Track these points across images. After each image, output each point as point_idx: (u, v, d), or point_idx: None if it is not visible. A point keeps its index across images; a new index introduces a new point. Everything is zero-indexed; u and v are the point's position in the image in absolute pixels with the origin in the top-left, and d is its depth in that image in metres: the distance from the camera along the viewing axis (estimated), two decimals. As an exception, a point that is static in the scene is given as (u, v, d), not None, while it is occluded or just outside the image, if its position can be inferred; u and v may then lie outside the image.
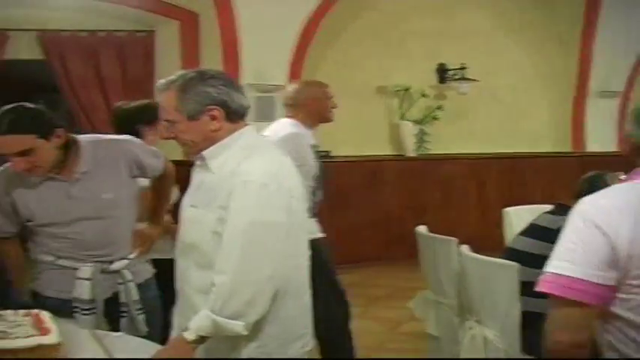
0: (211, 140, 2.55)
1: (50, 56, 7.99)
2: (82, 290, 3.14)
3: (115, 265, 3.24)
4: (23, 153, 2.94)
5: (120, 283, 3.25)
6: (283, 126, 4.40)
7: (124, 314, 3.25)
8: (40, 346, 2.34)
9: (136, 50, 8.16)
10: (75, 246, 3.15)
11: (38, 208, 3.11)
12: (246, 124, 2.62)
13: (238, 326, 2.39)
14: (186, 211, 2.66)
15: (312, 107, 4.49)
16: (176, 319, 2.74)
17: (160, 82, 2.60)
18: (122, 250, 3.27)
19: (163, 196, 3.37)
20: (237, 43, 7.56)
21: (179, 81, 2.54)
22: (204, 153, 2.57)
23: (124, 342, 2.78)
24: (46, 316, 2.64)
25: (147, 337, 3.13)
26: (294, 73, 7.80)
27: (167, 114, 2.57)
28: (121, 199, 3.25)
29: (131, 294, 3.26)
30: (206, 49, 7.93)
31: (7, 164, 3.12)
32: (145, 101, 4.24)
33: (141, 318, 3.26)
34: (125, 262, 3.26)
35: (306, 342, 2.66)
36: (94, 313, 3.16)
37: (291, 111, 4.52)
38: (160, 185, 3.44)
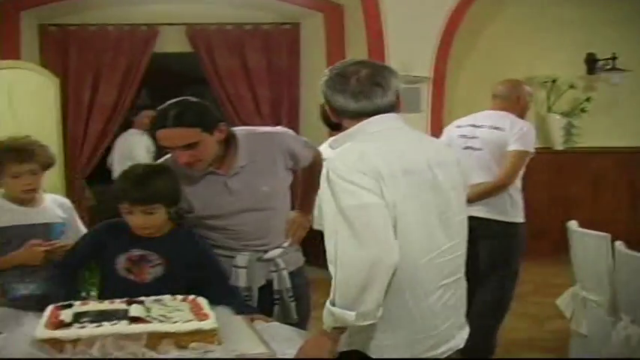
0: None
1: (198, 49, 8.23)
2: (239, 278, 3.20)
3: (270, 254, 3.29)
4: (188, 146, 2.99)
5: (273, 271, 3.31)
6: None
7: (277, 302, 3.32)
8: (198, 331, 2.40)
9: (281, 42, 8.30)
10: (233, 237, 3.21)
11: (198, 202, 3.17)
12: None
13: (349, 316, 2.31)
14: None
15: (524, 103, 4.89)
16: None
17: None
18: (277, 239, 3.32)
19: (312, 185, 3.40)
20: (382, 35, 7.52)
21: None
22: (331, 141, 2.60)
23: (274, 329, 2.82)
24: (203, 301, 2.72)
25: (297, 324, 3.19)
26: (440, 65, 7.72)
27: None
28: (277, 191, 3.28)
29: (284, 282, 3.32)
30: (351, 41, 7.94)
31: (166, 157, 3.20)
32: None
33: (292, 305, 3.32)
34: (279, 250, 3.31)
35: (434, 346, 2.50)
36: (248, 300, 3.23)
37: (507, 105, 4.81)
38: (309, 174, 3.46)
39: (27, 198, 3.29)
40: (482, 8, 8.09)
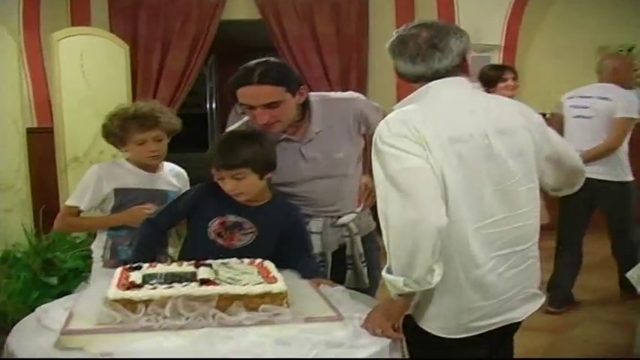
0: None
1: (266, 16, 8.22)
2: (314, 244, 3.21)
3: (343, 219, 3.29)
4: (269, 105, 2.97)
5: (346, 236, 3.32)
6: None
7: (349, 267, 3.32)
8: (268, 293, 2.41)
9: (350, 8, 8.23)
10: (305, 204, 3.21)
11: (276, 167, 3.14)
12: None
13: (398, 282, 2.31)
14: None
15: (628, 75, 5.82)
16: None
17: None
18: (349, 204, 3.31)
19: None
20: (452, 2, 7.45)
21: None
22: (395, 107, 2.55)
23: (340, 294, 2.82)
24: (270, 265, 2.74)
25: (366, 290, 3.19)
26: (511, 33, 7.61)
27: None
28: (351, 157, 3.27)
29: (357, 246, 3.32)
30: (421, 7, 7.85)
31: (243, 121, 3.21)
32: None
33: (365, 271, 3.32)
34: (352, 215, 3.31)
35: (482, 316, 2.46)
36: (322, 265, 3.24)
37: (613, 77, 5.63)
38: None
39: (153, 164, 3.40)
40: (556, -26, 7.93)
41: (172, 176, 3.53)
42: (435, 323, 2.47)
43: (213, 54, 12.67)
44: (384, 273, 2.37)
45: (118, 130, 3.29)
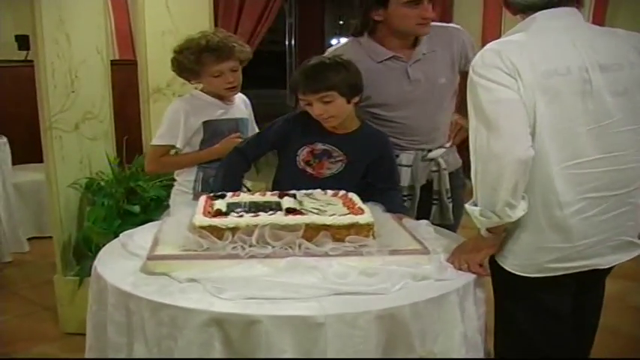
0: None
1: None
2: (403, 177, 3.20)
3: (433, 153, 3.27)
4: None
5: (434, 171, 3.28)
6: None
7: (435, 202, 3.29)
8: (355, 225, 2.39)
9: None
10: (401, 131, 3.20)
11: (377, 87, 3.13)
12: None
13: (482, 213, 2.29)
14: None
15: None
16: None
17: None
18: (441, 138, 3.29)
19: None
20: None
21: None
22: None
23: (423, 228, 2.79)
24: (355, 197, 2.71)
25: (450, 226, 3.15)
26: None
27: None
28: (450, 86, 3.25)
29: (445, 182, 3.29)
30: None
31: (350, 41, 3.26)
32: None
33: (450, 206, 3.28)
34: (442, 150, 3.28)
35: (560, 258, 2.37)
36: (410, 199, 3.21)
37: None
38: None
39: (230, 95, 3.37)
40: None
41: (242, 102, 3.53)
42: (512, 261, 2.43)
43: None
44: (467, 205, 2.35)
45: (194, 63, 3.24)
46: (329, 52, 3.25)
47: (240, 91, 3.42)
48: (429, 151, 3.26)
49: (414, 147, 3.23)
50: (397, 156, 3.18)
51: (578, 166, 2.32)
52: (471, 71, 2.33)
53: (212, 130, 3.29)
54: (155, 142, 3.37)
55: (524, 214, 2.30)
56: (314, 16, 15.84)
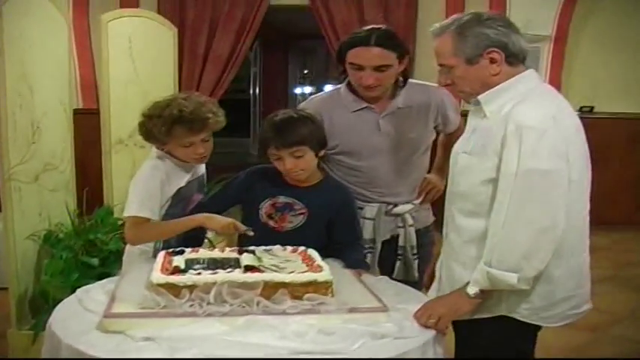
0: (489, 86, 2.44)
1: (314, 2, 8.15)
2: (366, 230, 3.22)
3: (399, 209, 3.29)
4: (379, 68, 3.07)
5: (400, 227, 3.29)
6: None
7: (400, 258, 3.30)
8: (313, 282, 2.38)
9: (399, -3, 8.16)
10: (367, 181, 3.24)
11: (346, 135, 3.20)
12: (526, 68, 2.48)
13: (512, 278, 2.29)
14: (458, 158, 2.56)
15: None
16: (438, 269, 2.72)
17: (434, 26, 2.51)
18: (407, 193, 3.31)
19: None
20: (504, -8, 7.37)
21: (455, 24, 2.44)
22: (480, 97, 2.46)
23: (383, 284, 2.80)
24: (314, 253, 2.71)
25: (415, 284, 3.14)
26: (562, 24, 7.50)
27: (443, 59, 2.48)
28: (421, 142, 3.31)
29: (410, 238, 3.30)
30: (471, -1, 7.75)
31: (332, 90, 3.33)
32: None
33: (415, 264, 3.29)
34: (409, 206, 3.30)
35: (577, 304, 2.50)
36: (371, 252, 3.21)
37: None
38: (451, 140, 3.40)
39: (198, 164, 3.22)
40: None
41: None
42: (541, 315, 2.46)
43: (258, 39, 12.70)
44: (486, 267, 2.33)
45: (164, 134, 3.02)
46: (311, 98, 3.42)
47: None
48: (395, 205, 3.28)
49: (379, 199, 3.25)
50: (361, 208, 3.21)
51: (586, 215, 2.47)
52: (528, 134, 2.27)
53: (180, 196, 3.17)
54: (135, 212, 3.04)
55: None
56: (278, 65, 15.97)
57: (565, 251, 2.39)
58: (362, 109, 3.23)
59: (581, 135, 2.43)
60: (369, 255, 3.23)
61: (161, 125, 3.00)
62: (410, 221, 3.30)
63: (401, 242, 3.32)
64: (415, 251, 3.32)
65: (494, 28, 2.40)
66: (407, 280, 3.16)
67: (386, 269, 3.19)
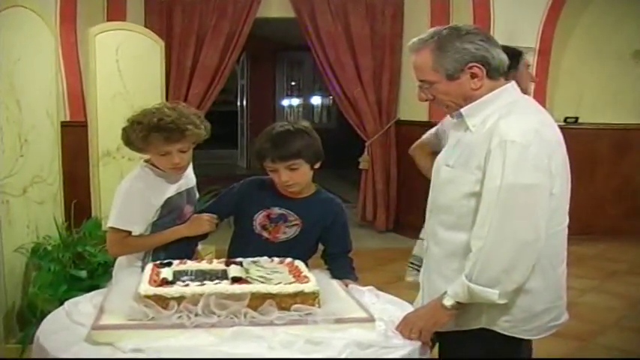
0: (472, 100, 2.45)
1: (301, 14, 8.22)
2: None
3: None
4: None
5: None
6: None
7: None
8: (300, 293, 2.40)
9: (385, 9, 8.24)
10: None
11: None
12: (507, 82, 2.50)
13: (493, 294, 2.30)
14: (441, 171, 2.55)
15: None
16: (421, 281, 2.73)
17: (413, 41, 2.51)
18: None
19: None
20: (488, 4, 7.40)
21: (434, 38, 2.44)
22: (462, 110, 2.47)
23: (372, 295, 2.82)
24: (301, 265, 2.72)
25: None
26: (546, 36, 7.56)
27: (423, 74, 2.48)
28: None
29: None
30: (456, 8, 7.79)
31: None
32: None
33: None
34: None
35: (557, 316, 2.52)
36: None
37: None
38: None
39: (174, 174, 3.16)
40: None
41: (190, 168, 3.31)
42: (523, 327, 2.46)
43: (245, 52, 12.72)
44: (467, 281, 2.32)
45: (140, 141, 3.03)
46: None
47: (193, 150, 3.27)
48: None
49: None
50: None
51: (565, 227, 2.49)
52: (512, 149, 2.28)
53: (169, 207, 3.14)
54: (112, 224, 3.06)
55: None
56: (266, 77, 15.98)
57: (545, 264, 2.41)
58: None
59: (562, 148, 2.45)
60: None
61: (139, 132, 3.01)
62: None
63: None
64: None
65: (475, 43, 2.41)
66: None
67: None
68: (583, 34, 8.20)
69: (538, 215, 2.29)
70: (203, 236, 3.20)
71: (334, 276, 2.88)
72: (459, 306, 2.39)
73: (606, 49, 8.11)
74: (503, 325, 2.45)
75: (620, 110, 8.33)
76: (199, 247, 3.33)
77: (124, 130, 3.09)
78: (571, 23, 8.04)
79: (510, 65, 3.44)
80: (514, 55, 3.66)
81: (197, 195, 3.40)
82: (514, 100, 2.46)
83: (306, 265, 2.75)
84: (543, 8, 7.58)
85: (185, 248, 3.09)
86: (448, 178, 2.50)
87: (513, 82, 2.51)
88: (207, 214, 3.16)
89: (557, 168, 2.36)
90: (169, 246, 3.09)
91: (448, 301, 2.39)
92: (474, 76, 2.42)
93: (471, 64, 2.41)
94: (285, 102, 16.71)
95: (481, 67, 2.41)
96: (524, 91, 3.75)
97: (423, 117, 7.08)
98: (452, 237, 2.48)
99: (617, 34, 8.22)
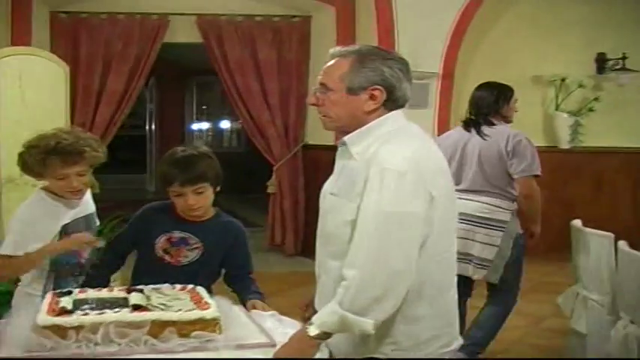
0: (357, 120, 2.43)
1: (208, 40, 8.24)
2: None
3: None
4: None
5: None
6: None
7: None
8: (201, 320, 2.42)
9: (291, 35, 8.33)
10: None
11: None
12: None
13: (367, 324, 2.26)
14: (326, 199, 2.53)
15: None
16: (317, 308, 2.73)
17: (337, 47, 2.51)
18: None
19: None
20: (392, 30, 7.53)
21: (359, 53, 2.44)
22: (346, 139, 2.46)
23: (276, 320, 2.82)
24: (202, 291, 2.74)
25: None
26: (449, 61, 7.73)
27: (328, 79, 2.45)
28: None
29: None
30: (361, 36, 7.92)
31: None
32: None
33: None
34: None
35: (448, 342, 2.49)
36: None
37: None
38: None
39: (72, 199, 3.13)
40: (492, 7, 8.10)
41: (89, 195, 3.31)
42: (412, 355, 2.42)
43: (153, 76, 12.64)
44: (343, 312, 2.27)
45: (38, 164, 3.01)
46: None
47: (100, 176, 3.26)
48: None
49: None
50: None
51: (452, 254, 2.51)
52: (388, 177, 2.28)
53: (67, 233, 3.10)
54: (7, 251, 3.01)
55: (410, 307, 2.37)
56: (174, 101, 15.88)
57: (432, 291, 2.40)
58: None
59: (446, 175, 2.47)
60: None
61: (37, 155, 3.00)
62: None
63: None
64: None
65: (392, 69, 2.41)
66: None
67: None
68: (484, 60, 8.43)
69: (411, 244, 2.28)
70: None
71: (240, 297, 2.91)
72: (325, 336, 2.34)
73: (506, 74, 8.35)
74: (390, 354, 2.41)
75: (525, 132, 8.54)
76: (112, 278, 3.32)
77: (21, 155, 3.07)
78: (473, 48, 8.27)
79: (505, 99, 4.65)
80: (508, 91, 5.01)
81: (97, 222, 3.39)
82: (396, 128, 2.44)
83: (210, 290, 2.77)
84: (446, 33, 7.75)
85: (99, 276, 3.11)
86: (332, 206, 2.48)
87: (399, 111, 2.49)
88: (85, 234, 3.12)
89: (439, 194, 2.35)
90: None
91: (313, 331, 2.33)
92: (372, 97, 2.41)
93: (375, 86, 2.40)
94: (195, 126, 16.64)
95: (383, 91, 2.41)
96: (510, 120, 4.90)
97: (330, 141, 7.13)
98: (336, 266, 2.42)
99: (516, 60, 8.50)
